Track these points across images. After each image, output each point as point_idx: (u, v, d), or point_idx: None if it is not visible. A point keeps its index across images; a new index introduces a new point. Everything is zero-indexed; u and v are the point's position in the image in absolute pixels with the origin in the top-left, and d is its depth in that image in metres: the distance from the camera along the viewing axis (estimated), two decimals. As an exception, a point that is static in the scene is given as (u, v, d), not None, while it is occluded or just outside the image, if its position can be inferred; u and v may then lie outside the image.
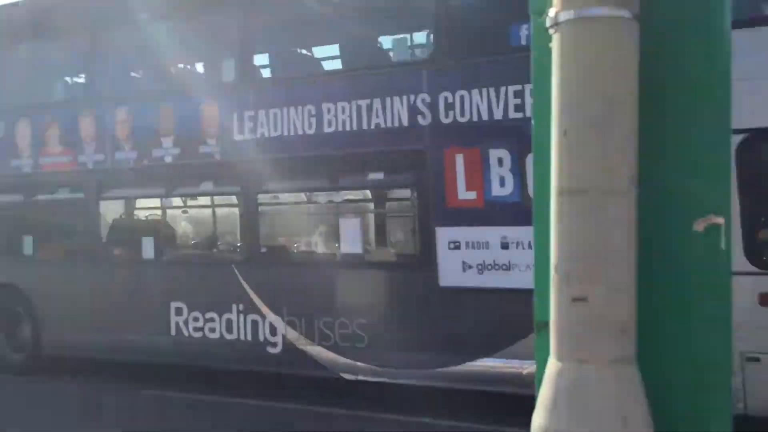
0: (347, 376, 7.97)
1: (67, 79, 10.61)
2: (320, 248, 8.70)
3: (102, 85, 9.71)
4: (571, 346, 2.51)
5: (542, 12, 2.62)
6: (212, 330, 8.70)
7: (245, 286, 8.50)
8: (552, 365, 2.55)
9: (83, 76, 10.14)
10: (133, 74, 10.20)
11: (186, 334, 8.86)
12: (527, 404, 2.57)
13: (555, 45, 2.56)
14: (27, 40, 10.16)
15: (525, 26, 6.62)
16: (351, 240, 8.06)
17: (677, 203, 2.62)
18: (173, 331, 8.92)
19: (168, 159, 9.02)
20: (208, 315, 8.71)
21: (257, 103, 8.45)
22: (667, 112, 2.64)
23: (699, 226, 2.59)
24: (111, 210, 10.04)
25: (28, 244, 10.25)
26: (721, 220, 2.61)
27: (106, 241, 9.89)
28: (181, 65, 10.01)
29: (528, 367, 6.44)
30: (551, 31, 2.56)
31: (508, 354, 7.09)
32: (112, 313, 9.26)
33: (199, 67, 10.17)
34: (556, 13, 2.52)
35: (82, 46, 9.72)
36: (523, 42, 6.85)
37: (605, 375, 2.46)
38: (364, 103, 7.86)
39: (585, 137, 2.50)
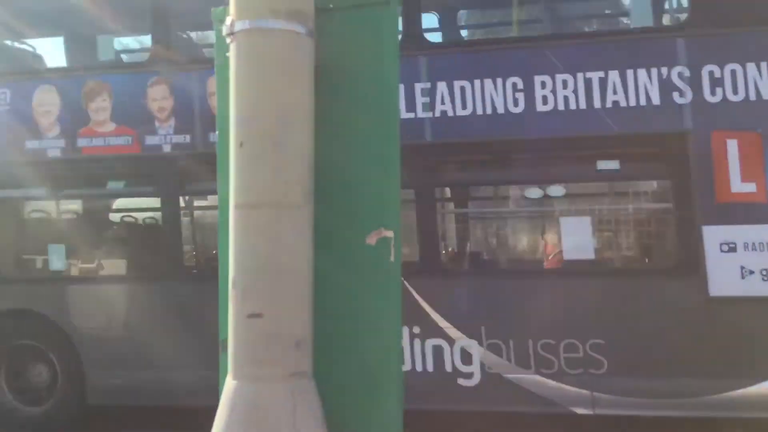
0: (580, 411, 6.47)
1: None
2: (535, 254, 7.07)
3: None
4: (247, 363, 2.54)
5: (224, 19, 2.64)
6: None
7: (422, 303, 6.68)
8: (228, 384, 2.55)
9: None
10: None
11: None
12: None
13: (232, 54, 2.58)
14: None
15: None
16: (581, 243, 6.53)
17: (351, 218, 2.73)
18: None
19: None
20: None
21: (434, 73, 6.69)
22: (341, 128, 2.74)
23: (371, 239, 2.72)
24: (194, 209, 7.62)
25: (56, 255, 7.48)
26: (390, 234, 2.74)
27: (191, 250, 7.46)
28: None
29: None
30: (228, 39, 2.56)
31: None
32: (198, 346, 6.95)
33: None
34: (233, 22, 2.53)
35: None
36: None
37: (280, 391, 2.50)
38: (595, 75, 6.44)
39: (260, 150, 2.52)
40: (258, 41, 2.55)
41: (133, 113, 7.21)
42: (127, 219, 8.23)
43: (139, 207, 8.01)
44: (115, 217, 8.32)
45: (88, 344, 7.15)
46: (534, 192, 6.93)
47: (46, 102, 7.39)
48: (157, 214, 7.49)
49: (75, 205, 8.13)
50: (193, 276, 7.52)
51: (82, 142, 7.31)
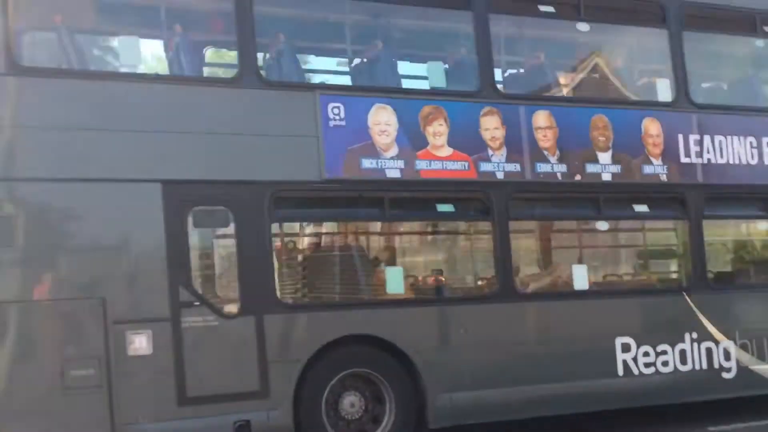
0: None
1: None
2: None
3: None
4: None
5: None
6: (665, 363, 8.08)
7: (698, 313, 8.25)
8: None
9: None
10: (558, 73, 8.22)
11: (636, 372, 7.95)
12: None
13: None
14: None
15: None
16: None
17: None
18: (621, 371, 7.89)
19: (606, 176, 7.98)
20: (660, 348, 8.07)
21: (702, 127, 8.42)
22: None
23: None
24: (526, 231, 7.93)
25: (393, 277, 7.22)
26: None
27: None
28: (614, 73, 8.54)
29: None
30: None
31: None
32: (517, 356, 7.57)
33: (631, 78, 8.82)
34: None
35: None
36: None
37: None
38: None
39: None
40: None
41: (468, 139, 7.48)
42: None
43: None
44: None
45: (434, 368, 7.14)
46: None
47: (383, 121, 7.22)
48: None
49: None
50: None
51: (420, 165, 7.31)
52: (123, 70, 7.03)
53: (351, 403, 7.08)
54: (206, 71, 7.73)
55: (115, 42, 7.28)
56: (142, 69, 6.98)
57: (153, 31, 7.36)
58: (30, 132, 6.18)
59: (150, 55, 7.26)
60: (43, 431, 6.04)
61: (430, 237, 8.37)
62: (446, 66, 8.07)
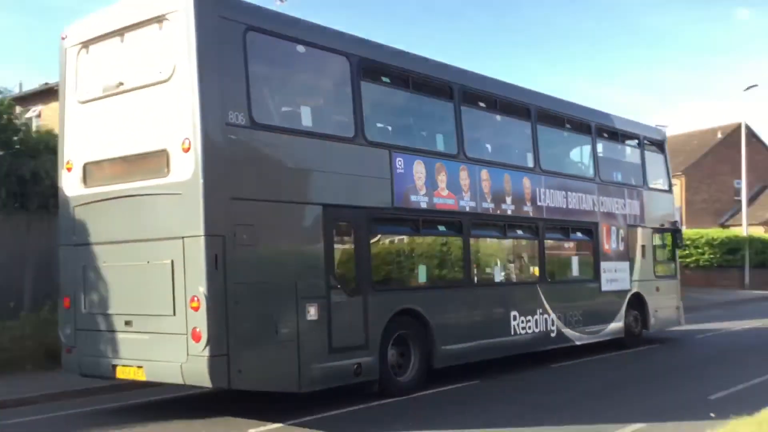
0: (578, 342, 14.41)
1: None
2: (569, 273, 14.48)
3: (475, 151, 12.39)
4: None
5: None
6: (529, 327, 13.25)
7: (542, 298, 13.60)
8: None
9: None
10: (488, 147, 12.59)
11: (519, 332, 13.00)
12: None
13: None
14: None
15: None
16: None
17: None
18: (512, 332, 12.88)
19: (508, 212, 12.93)
20: (527, 318, 13.23)
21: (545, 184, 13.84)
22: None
23: None
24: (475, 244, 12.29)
25: (422, 272, 11.29)
26: None
27: (477, 269, 12.35)
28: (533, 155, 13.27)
29: None
30: None
31: None
32: (474, 324, 12.21)
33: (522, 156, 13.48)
34: None
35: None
36: None
37: None
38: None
39: None
40: None
41: (454, 185, 11.85)
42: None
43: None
44: None
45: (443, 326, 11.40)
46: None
47: (419, 170, 11.24)
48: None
49: None
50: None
51: (436, 200, 11.51)
52: (304, 128, 10.09)
53: (400, 352, 10.97)
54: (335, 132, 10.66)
55: (299, 109, 10.22)
56: (308, 128, 10.12)
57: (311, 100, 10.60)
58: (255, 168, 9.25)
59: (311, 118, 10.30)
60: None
61: (436, 245, 12.39)
62: (444, 137, 12.29)
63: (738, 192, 42.24)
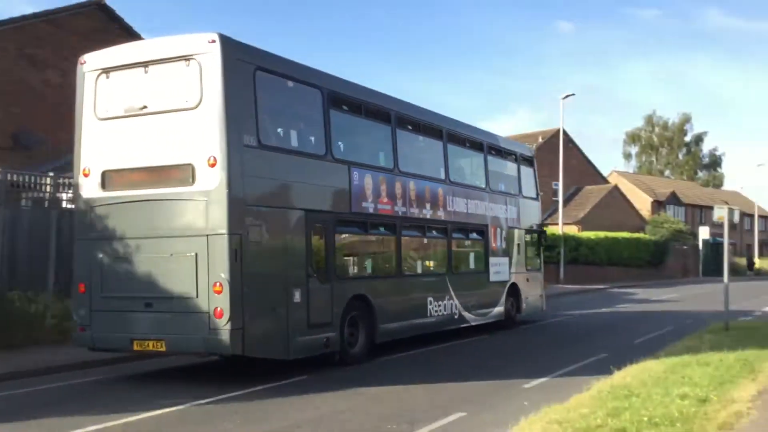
0: (473, 323, 17.52)
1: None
2: (468, 266, 17.46)
3: (406, 166, 15.09)
4: None
5: None
6: (440, 310, 16.19)
7: (449, 287, 16.59)
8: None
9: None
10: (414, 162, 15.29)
11: (433, 314, 15.92)
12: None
13: None
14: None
15: None
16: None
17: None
18: (428, 314, 15.79)
19: (427, 214, 15.80)
20: (439, 302, 16.17)
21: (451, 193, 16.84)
22: None
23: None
24: (404, 242, 14.94)
25: (369, 264, 13.86)
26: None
27: (405, 263, 15.02)
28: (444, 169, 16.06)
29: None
30: None
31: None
32: (403, 307, 15.02)
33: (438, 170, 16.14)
34: None
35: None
36: None
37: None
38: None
39: None
40: None
41: (390, 193, 14.57)
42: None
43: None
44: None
45: (383, 309, 14.10)
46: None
47: (368, 182, 13.87)
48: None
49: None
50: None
51: (380, 206, 14.20)
52: (292, 148, 12.57)
53: (351, 332, 13.55)
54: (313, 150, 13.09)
55: (289, 132, 12.51)
56: (295, 147, 12.55)
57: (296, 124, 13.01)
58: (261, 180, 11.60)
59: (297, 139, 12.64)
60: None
61: (378, 243, 14.98)
62: (384, 154, 14.94)
63: (556, 193, 45.70)
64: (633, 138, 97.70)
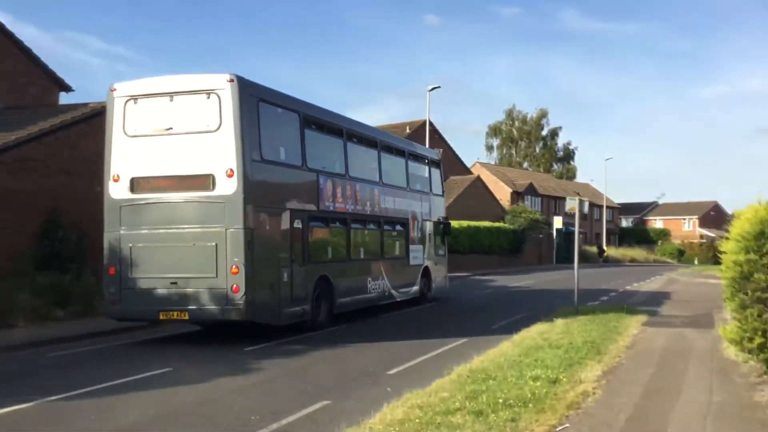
0: (398, 299, 21.34)
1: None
2: (395, 253, 21.19)
3: (353, 172, 18.63)
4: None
5: None
6: (376, 289, 19.92)
7: (382, 270, 20.32)
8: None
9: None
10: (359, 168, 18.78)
11: (372, 292, 19.63)
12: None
13: None
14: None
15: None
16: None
17: None
18: (368, 292, 19.50)
19: (368, 210, 19.46)
20: (376, 282, 19.90)
21: (384, 192, 20.57)
22: None
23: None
24: (353, 233, 18.48)
25: (331, 250, 17.51)
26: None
27: (353, 250, 18.63)
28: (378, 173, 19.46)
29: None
30: None
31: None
32: (352, 286, 18.68)
33: (374, 174, 19.55)
34: None
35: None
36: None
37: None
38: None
39: None
40: None
41: (343, 194, 18.14)
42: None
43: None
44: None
45: (339, 287, 17.69)
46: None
47: (330, 186, 17.39)
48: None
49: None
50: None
51: (337, 205, 17.73)
52: (282, 161, 15.95)
53: (317, 305, 17.05)
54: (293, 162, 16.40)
55: (279, 148, 15.75)
56: (283, 160, 15.90)
57: (283, 142, 16.30)
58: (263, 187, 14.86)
59: (284, 154, 15.95)
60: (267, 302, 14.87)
61: (336, 234, 18.43)
62: (338, 163, 18.45)
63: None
64: (495, 131, 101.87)
